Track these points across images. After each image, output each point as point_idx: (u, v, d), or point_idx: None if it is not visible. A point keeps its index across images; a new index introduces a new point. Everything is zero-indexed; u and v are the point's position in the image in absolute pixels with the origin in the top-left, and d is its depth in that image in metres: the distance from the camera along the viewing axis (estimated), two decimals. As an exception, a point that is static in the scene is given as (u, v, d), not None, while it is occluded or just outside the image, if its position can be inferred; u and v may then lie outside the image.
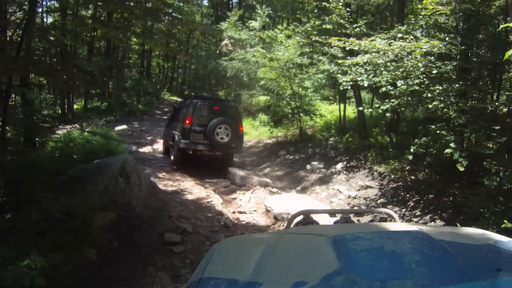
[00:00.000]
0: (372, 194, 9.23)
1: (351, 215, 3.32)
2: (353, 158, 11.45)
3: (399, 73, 7.52)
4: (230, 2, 34.95)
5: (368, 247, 1.74)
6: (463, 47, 7.34)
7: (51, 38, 9.28)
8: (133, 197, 7.00)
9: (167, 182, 9.49)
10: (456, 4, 7.36)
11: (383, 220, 2.95)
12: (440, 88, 7.10)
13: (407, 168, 9.59)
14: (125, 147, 11.93)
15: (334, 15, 11.33)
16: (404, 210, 7.95)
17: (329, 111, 17.07)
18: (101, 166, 7.42)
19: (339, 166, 11.26)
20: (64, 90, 16.73)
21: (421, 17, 8.32)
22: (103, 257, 5.18)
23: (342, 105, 14.33)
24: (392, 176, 9.60)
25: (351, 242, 1.71)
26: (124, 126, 18.56)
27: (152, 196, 7.73)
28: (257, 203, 8.98)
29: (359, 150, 11.68)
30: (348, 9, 11.66)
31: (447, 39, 7.42)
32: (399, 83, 7.69)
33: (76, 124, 14.95)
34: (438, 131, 6.62)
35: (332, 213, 3.66)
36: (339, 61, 9.43)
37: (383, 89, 8.03)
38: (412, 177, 9.19)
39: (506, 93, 8.25)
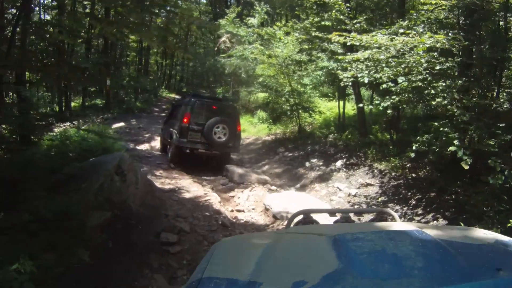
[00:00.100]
0: (372, 192, 9.11)
1: (351, 215, 3.33)
2: (353, 155, 11.34)
3: (401, 69, 7.39)
4: (228, -1, 34.84)
5: (368, 247, 1.75)
6: (466, 43, 7.21)
7: (47, 35, 9.13)
8: (129, 195, 6.86)
9: (164, 180, 9.37)
10: (459, -3, 7.24)
11: (383, 219, 3.00)
12: (444, 84, 6.97)
13: (408, 165, 9.48)
14: (122, 144, 11.85)
15: (333, 11, 11.22)
16: (405, 208, 7.84)
17: (328, 108, 17.03)
18: (97, 164, 7.30)
19: (339, 163, 11.15)
20: (55, 87, 16.58)
21: (423, 12, 8.19)
22: (98, 257, 5.04)
23: (341, 102, 14.25)
24: (393, 174, 9.49)
25: (351, 242, 1.72)
26: (122, 124, 18.50)
27: (149, 195, 7.60)
28: (255, 201, 8.85)
29: (359, 147, 11.57)
30: (347, 4, 11.55)
31: (450, 34, 7.27)
32: (400, 79, 7.58)
33: (74, 122, 14.81)
34: (441, 128, 6.50)
35: (332, 212, 3.62)
36: (340, 57, 9.30)
37: (384, 85, 7.90)
38: (413, 175, 9.08)
39: (506, 90, 8.14)
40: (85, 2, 19.49)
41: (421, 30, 8.07)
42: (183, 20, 8.89)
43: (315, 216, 3.02)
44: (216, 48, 26.96)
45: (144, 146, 14.79)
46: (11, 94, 9.92)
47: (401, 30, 7.53)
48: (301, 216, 2.92)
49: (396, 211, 7.74)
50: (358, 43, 7.75)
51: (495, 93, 8.20)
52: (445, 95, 6.90)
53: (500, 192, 5.81)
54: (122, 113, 21.38)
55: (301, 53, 15.57)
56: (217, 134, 10.82)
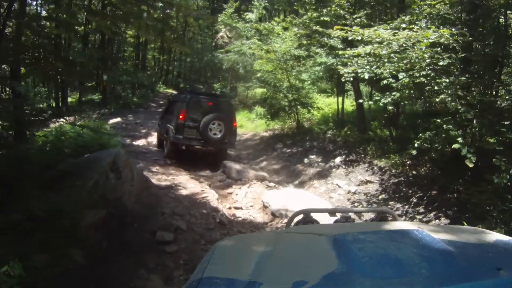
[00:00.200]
0: (372, 189, 9.01)
1: (352, 214, 3.33)
2: (352, 152, 11.23)
3: (403, 64, 7.25)
4: (226, -6, 34.63)
5: (368, 247, 1.74)
6: (470, 38, 7.08)
7: (45, 30, 8.98)
8: (124, 192, 6.72)
9: (160, 177, 9.22)
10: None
11: (384, 219, 2.99)
12: (447, 81, 6.85)
13: (408, 162, 9.36)
14: (118, 140, 11.76)
15: (333, 6, 11.08)
16: (407, 206, 7.73)
17: (326, 103, 16.94)
18: (91, 160, 7.16)
19: (338, 160, 11.03)
20: (52, 82, 16.42)
21: (425, 7, 8.05)
22: (92, 256, 4.91)
23: (340, 98, 14.13)
24: (393, 171, 9.39)
25: (351, 242, 1.72)
26: (119, 119, 18.38)
27: (145, 192, 7.45)
28: (253, 198, 8.72)
29: (358, 143, 11.47)
30: (348, -1, 11.42)
31: (453, 30, 7.14)
32: (401, 75, 7.45)
33: (70, 117, 14.66)
34: (444, 125, 6.38)
35: (332, 212, 3.54)
36: (340, 52, 9.15)
37: (384, 81, 7.78)
38: (414, 172, 8.97)
39: (506, 87, 8.05)
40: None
41: (424, 24, 7.91)
42: (180, 12, 8.75)
43: (315, 216, 3.00)
44: (213, 44, 26.81)
45: (140, 142, 14.66)
46: (7, 89, 9.77)
47: (403, 25, 7.39)
48: (301, 216, 2.91)
49: (397, 209, 7.64)
50: (360, 38, 7.61)
51: (494, 90, 8.12)
52: (449, 91, 6.78)
53: (504, 191, 5.71)
54: (119, 108, 21.26)
55: (300, 49, 15.43)
56: (212, 130, 10.84)
